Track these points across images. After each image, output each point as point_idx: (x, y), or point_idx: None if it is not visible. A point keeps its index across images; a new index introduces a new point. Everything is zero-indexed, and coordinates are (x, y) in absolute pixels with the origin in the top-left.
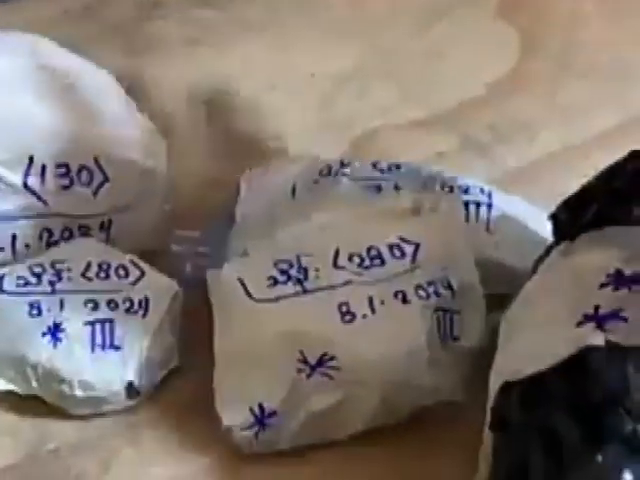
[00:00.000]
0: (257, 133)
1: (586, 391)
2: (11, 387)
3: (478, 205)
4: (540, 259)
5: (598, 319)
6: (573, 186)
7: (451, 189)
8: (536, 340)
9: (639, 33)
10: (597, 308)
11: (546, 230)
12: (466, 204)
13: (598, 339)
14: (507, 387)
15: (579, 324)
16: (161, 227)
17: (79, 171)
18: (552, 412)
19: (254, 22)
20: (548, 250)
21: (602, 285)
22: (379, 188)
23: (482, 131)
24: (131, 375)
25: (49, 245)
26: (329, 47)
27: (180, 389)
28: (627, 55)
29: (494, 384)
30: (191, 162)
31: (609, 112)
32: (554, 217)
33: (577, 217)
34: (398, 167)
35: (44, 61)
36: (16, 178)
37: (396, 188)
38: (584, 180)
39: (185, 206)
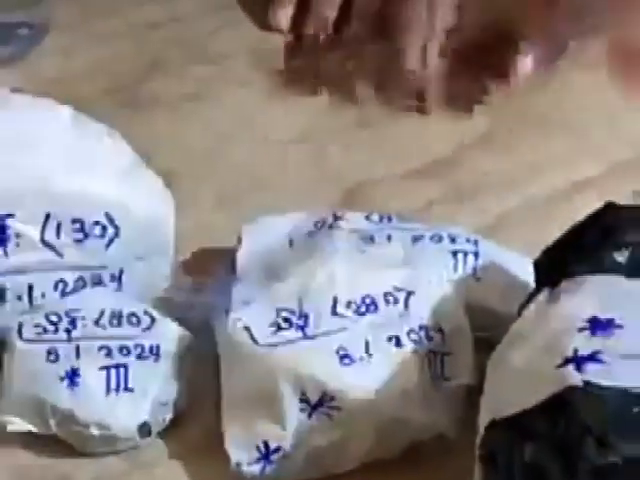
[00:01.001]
0: (255, 185)
1: (566, 427)
2: (30, 428)
3: (465, 254)
4: (524, 304)
5: (577, 361)
6: (554, 233)
7: (440, 239)
8: (520, 381)
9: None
10: (576, 351)
11: (529, 276)
12: (454, 253)
13: (577, 379)
14: (494, 424)
15: (559, 366)
16: (169, 276)
17: (92, 226)
18: (535, 447)
19: (246, 76)
20: (531, 296)
21: (580, 329)
22: (372, 239)
23: (467, 180)
24: (144, 416)
25: (64, 295)
26: (320, 101)
27: (189, 429)
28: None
29: (482, 421)
30: (193, 214)
31: (589, 161)
32: (536, 265)
33: (557, 265)
34: (390, 219)
35: (58, 124)
36: (34, 234)
37: (388, 239)
38: (564, 228)
39: (190, 256)
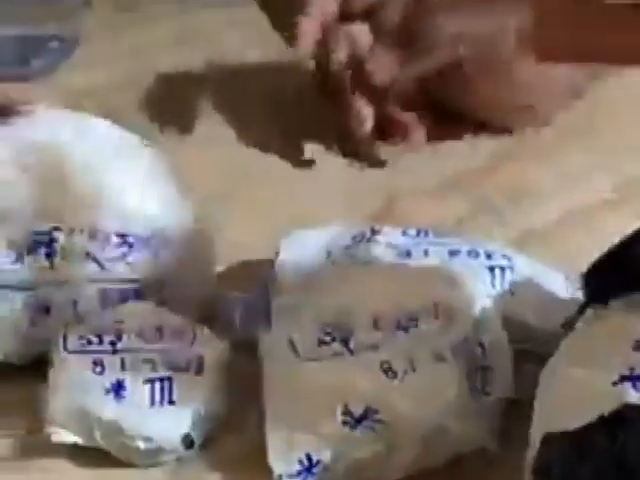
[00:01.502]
0: (290, 198)
1: (624, 443)
2: (75, 439)
3: (502, 269)
4: (572, 320)
5: (633, 379)
6: (586, 246)
7: (476, 255)
8: (576, 396)
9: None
10: (632, 369)
11: (562, 289)
12: (491, 269)
13: (634, 397)
14: (550, 438)
15: (615, 383)
16: (210, 290)
17: (137, 241)
18: (593, 463)
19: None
20: (579, 311)
21: (635, 348)
22: (409, 254)
23: (496, 195)
24: (187, 428)
25: (108, 307)
26: None
27: (232, 441)
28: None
29: (535, 434)
30: (230, 227)
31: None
32: (584, 279)
33: (606, 280)
34: (426, 233)
35: (103, 140)
36: (80, 247)
37: (425, 253)
38: (596, 241)
39: (229, 269)
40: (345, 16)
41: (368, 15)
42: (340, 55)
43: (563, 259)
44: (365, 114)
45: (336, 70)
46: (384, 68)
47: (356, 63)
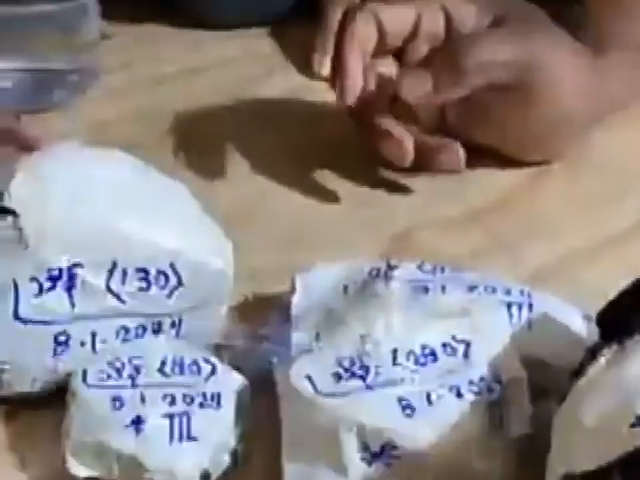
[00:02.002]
0: (305, 230)
1: None
2: (94, 474)
3: (520, 306)
4: (588, 359)
5: None
6: (599, 282)
7: (494, 290)
8: (593, 438)
9: None
10: None
11: (579, 327)
12: (509, 305)
13: None
14: (569, 478)
15: (633, 425)
16: (227, 323)
17: (156, 275)
18: None
19: (292, 122)
20: (595, 351)
21: None
22: (426, 289)
23: (511, 229)
24: (206, 463)
25: (124, 341)
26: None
27: (249, 476)
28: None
29: (551, 474)
30: (245, 259)
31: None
32: (599, 319)
33: (622, 320)
34: (442, 269)
35: (126, 174)
36: (100, 282)
37: (442, 289)
38: (612, 277)
39: (244, 302)
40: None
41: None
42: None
43: (578, 295)
44: (407, 143)
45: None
46: (417, 90)
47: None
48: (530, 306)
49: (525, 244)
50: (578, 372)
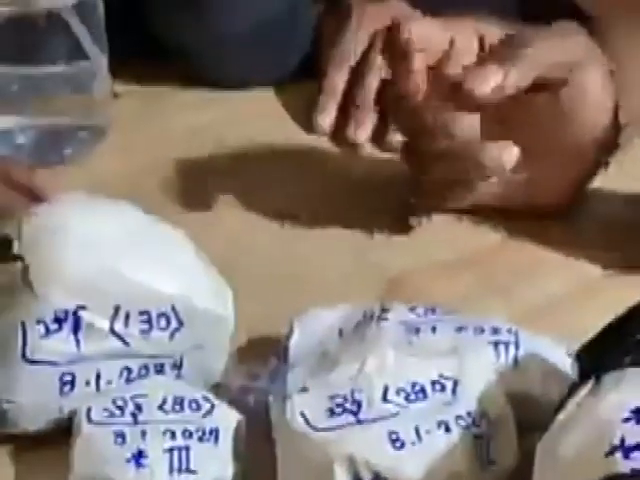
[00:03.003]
0: (302, 274)
1: None
2: None
3: (507, 345)
4: (567, 395)
5: (624, 450)
6: (585, 322)
7: (482, 330)
8: (571, 468)
9: None
10: (623, 440)
11: (566, 364)
12: (496, 344)
13: (625, 467)
14: None
15: (608, 454)
16: (226, 363)
17: (158, 317)
18: None
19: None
20: (573, 387)
21: (625, 420)
22: (418, 330)
23: (502, 272)
24: None
25: (129, 381)
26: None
27: None
28: None
29: None
30: (243, 303)
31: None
32: (578, 356)
33: (599, 357)
34: (433, 311)
35: (130, 223)
36: (104, 324)
37: (433, 330)
38: (597, 316)
39: (243, 344)
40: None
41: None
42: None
43: (564, 333)
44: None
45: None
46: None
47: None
48: (517, 344)
49: (515, 286)
50: (559, 407)
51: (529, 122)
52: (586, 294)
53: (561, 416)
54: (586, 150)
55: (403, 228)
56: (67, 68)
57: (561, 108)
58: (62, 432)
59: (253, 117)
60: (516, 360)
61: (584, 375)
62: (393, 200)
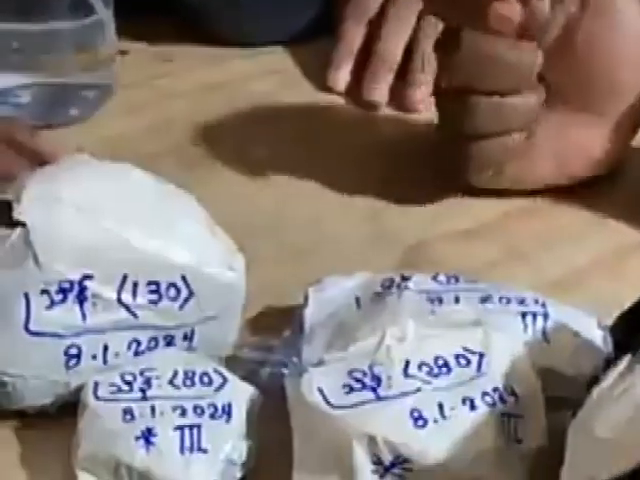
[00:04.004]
0: (317, 243)
1: None
2: None
3: (535, 316)
4: (602, 370)
5: None
6: (621, 291)
7: (508, 301)
8: (607, 449)
9: None
10: None
11: (597, 337)
12: (523, 315)
13: None
14: None
15: None
16: (238, 335)
17: (167, 288)
18: None
19: (306, 135)
20: (608, 362)
21: None
22: (440, 300)
23: (527, 240)
24: (216, 475)
25: (137, 354)
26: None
27: None
28: None
29: None
30: (257, 272)
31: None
32: (612, 330)
33: (636, 331)
34: (457, 279)
35: (136, 187)
36: (111, 294)
37: (456, 300)
38: (632, 285)
39: (256, 314)
40: None
41: None
42: None
43: (595, 305)
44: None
45: None
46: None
47: None
48: (545, 316)
49: (542, 255)
50: (592, 383)
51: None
52: (616, 264)
53: (596, 393)
54: (624, 93)
55: (422, 197)
56: (71, 24)
57: (592, 38)
58: (68, 409)
59: (266, 75)
60: (545, 332)
61: (619, 349)
62: (412, 165)
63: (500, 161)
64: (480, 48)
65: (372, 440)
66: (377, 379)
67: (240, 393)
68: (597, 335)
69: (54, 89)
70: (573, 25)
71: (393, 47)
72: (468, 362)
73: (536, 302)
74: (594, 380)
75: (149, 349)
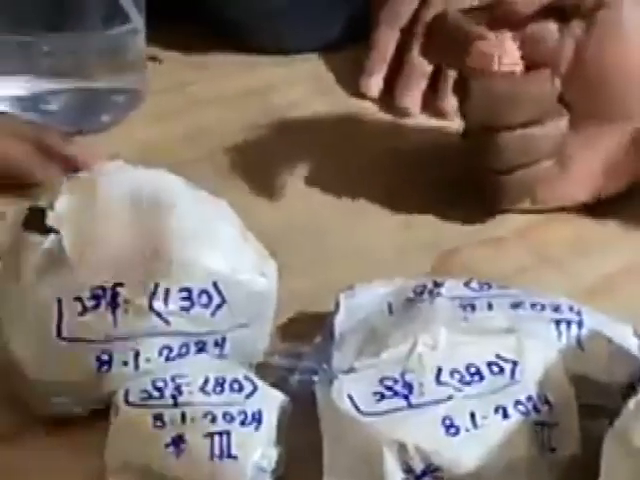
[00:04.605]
0: (348, 250)
1: None
2: None
3: (569, 323)
4: (638, 378)
5: None
6: None
7: (542, 308)
8: None
9: None
10: None
11: (633, 345)
12: (557, 322)
13: None
14: None
15: None
16: (269, 342)
17: (199, 295)
18: None
19: (338, 143)
20: None
21: None
22: (473, 307)
23: (558, 247)
24: None
25: (168, 360)
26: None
27: None
28: None
29: None
30: (288, 279)
31: None
32: None
33: None
34: (489, 286)
35: (169, 194)
36: (143, 301)
37: (489, 307)
38: None
39: (287, 321)
40: None
41: None
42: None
43: (628, 312)
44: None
45: None
46: None
47: None
48: (580, 323)
49: (571, 261)
50: (629, 392)
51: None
52: None
53: (633, 403)
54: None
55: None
56: (103, 30)
57: (603, 54)
58: (100, 414)
59: (299, 82)
60: (579, 340)
61: None
62: (444, 172)
63: (532, 189)
64: (492, 89)
65: (403, 448)
66: (409, 386)
67: (270, 400)
68: (632, 343)
69: (84, 95)
70: (582, 46)
71: None
72: (501, 370)
73: (571, 309)
74: (630, 388)
75: (180, 355)
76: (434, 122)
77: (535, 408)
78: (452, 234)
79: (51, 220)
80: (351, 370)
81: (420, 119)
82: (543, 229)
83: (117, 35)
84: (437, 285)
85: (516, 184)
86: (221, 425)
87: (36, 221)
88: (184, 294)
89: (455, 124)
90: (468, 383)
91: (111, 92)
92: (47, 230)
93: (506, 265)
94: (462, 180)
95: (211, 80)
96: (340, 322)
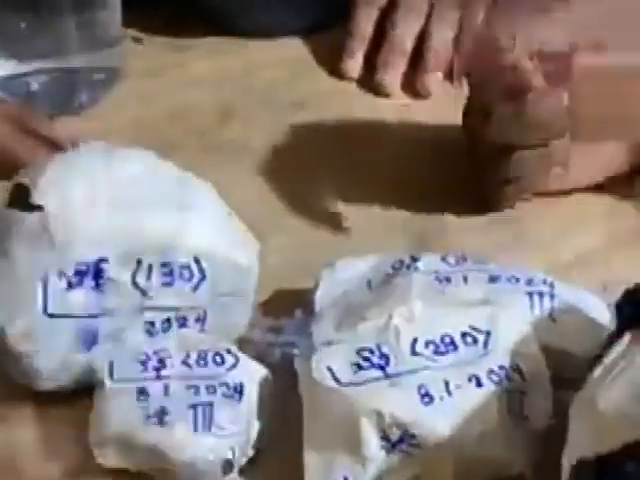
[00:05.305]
0: (330, 229)
1: None
2: (120, 464)
3: (541, 295)
4: (605, 347)
5: None
6: (626, 273)
7: (516, 280)
8: (608, 424)
9: None
10: None
11: (604, 317)
12: (530, 294)
13: None
14: (582, 464)
15: None
16: (250, 317)
17: (181, 270)
18: None
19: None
20: (612, 338)
21: None
22: (449, 280)
23: (537, 224)
24: (227, 453)
25: (151, 335)
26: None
27: (270, 465)
28: None
29: (568, 460)
30: (270, 256)
31: None
32: (617, 307)
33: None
34: (465, 260)
35: (152, 173)
36: (126, 277)
37: (465, 280)
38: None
39: (269, 297)
40: None
41: None
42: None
43: (604, 287)
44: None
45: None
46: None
47: None
48: (552, 295)
49: (554, 239)
50: (596, 360)
51: None
52: (623, 246)
53: (600, 368)
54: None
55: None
56: (81, 8)
57: None
58: (85, 389)
59: (281, 63)
60: (552, 312)
61: (624, 326)
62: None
63: (535, 191)
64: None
65: (380, 416)
66: (385, 357)
67: (252, 373)
68: (604, 315)
69: (63, 74)
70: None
71: (405, 33)
72: (475, 340)
73: (544, 282)
74: (597, 357)
75: (163, 330)
76: (438, 119)
77: (507, 377)
78: (434, 213)
79: (35, 197)
80: (329, 343)
81: (424, 116)
82: (526, 209)
83: (94, 13)
84: (414, 260)
85: (523, 190)
86: (204, 397)
87: (21, 198)
88: (166, 269)
89: (450, 118)
90: (443, 353)
91: (90, 71)
92: (32, 207)
93: (486, 243)
94: (462, 180)
95: (193, 62)
96: (320, 297)
